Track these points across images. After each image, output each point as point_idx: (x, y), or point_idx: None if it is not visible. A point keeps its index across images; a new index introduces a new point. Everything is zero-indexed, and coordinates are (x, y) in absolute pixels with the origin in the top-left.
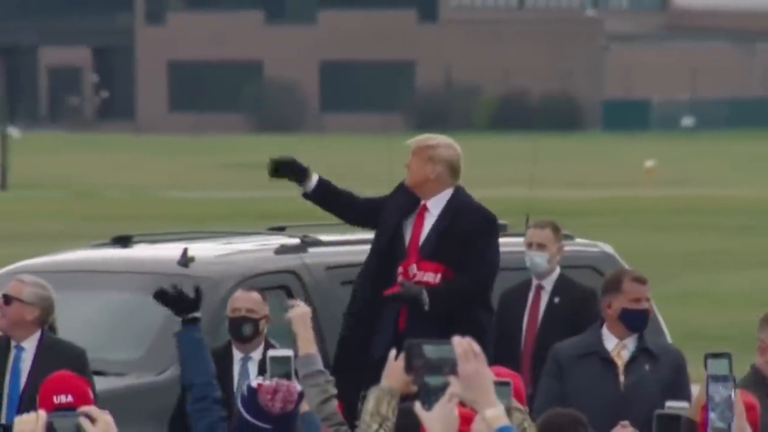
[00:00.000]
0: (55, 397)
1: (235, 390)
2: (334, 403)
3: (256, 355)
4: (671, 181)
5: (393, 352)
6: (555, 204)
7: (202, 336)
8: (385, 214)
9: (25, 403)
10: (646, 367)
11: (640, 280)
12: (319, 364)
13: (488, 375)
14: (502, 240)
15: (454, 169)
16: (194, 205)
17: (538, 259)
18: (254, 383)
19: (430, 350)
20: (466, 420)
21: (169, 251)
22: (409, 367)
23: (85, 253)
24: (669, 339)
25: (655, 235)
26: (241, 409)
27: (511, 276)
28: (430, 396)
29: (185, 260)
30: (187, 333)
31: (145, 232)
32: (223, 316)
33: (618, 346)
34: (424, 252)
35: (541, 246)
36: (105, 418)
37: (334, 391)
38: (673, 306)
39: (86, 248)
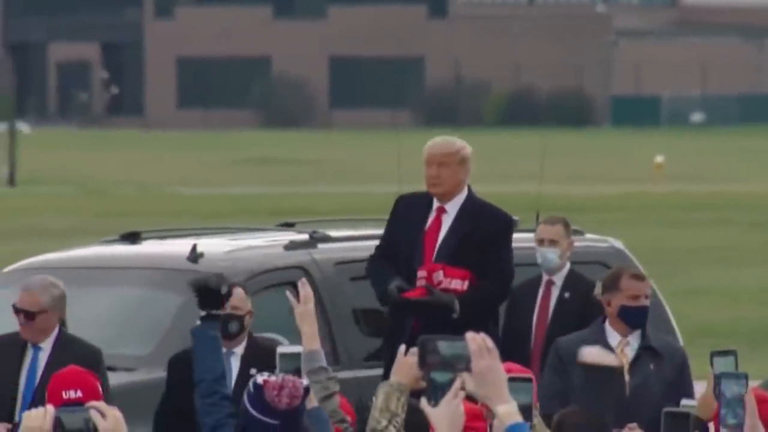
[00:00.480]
0: (64, 393)
1: None
2: (336, 400)
3: (239, 350)
4: (681, 176)
5: (402, 348)
6: (565, 200)
7: (218, 333)
8: (404, 232)
9: (36, 401)
10: (651, 366)
11: (639, 277)
12: (322, 361)
13: (501, 371)
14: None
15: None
16: (203, 202)
17: (551, 255)
18: (260, 379)
19: (444, 346)
20: (472, 416)
21: (179, 247)
22: (422, 363)
23: (94, 249)
24: (679, 335)
25: (665, 231)
26: (248, 405)
27: (520, 272)
28: (436, 392)
29: (194, 256)
30: (205, 330)
31: (155, 228)
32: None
33: (621, 343)
34: (441, 255)
35: (552, 242)
36: (114, 413)
37: (336, 388)
38: (683, 302)
39: (96, 244)
